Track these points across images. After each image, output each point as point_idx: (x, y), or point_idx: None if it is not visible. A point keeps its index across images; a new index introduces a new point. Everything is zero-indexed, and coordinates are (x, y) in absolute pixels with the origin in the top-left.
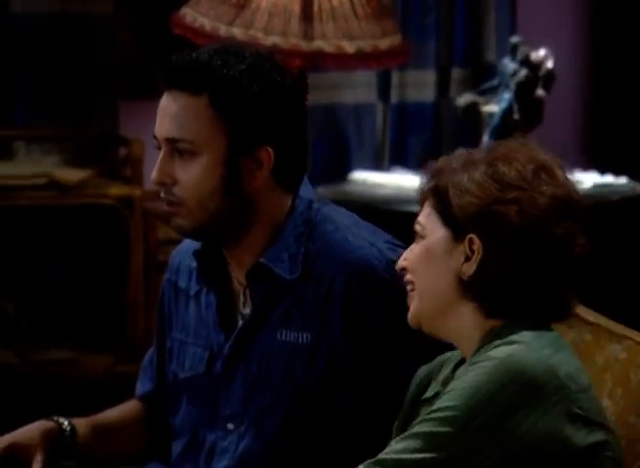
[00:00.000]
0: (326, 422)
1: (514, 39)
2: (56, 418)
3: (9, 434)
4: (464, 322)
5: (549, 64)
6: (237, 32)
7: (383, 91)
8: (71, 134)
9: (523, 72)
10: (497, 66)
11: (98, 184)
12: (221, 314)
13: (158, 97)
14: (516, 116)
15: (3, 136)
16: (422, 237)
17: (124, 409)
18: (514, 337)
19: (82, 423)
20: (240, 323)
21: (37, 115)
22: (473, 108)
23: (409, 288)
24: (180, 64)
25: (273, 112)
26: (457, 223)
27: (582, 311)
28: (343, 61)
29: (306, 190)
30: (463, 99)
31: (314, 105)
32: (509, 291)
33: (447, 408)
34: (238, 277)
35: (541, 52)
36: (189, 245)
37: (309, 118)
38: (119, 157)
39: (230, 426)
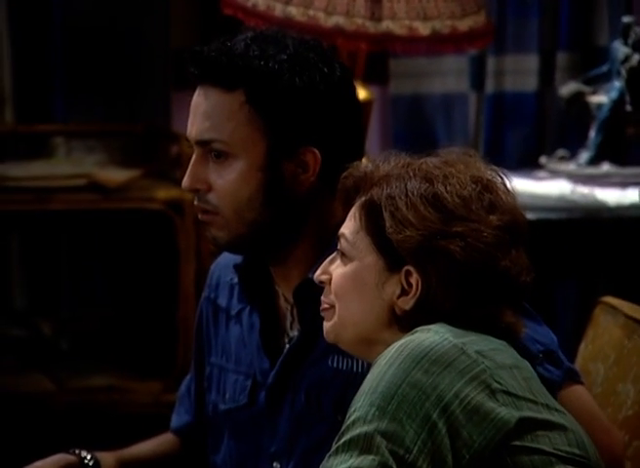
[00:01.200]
0: None
1: (626, 19)
2: (78, 451)
3: None
4: (388, 344)
5: None
6: (294, 12)
7: (477, 79)
8: (116, 129)
9: (636, 57)
10: (608, 50)
11: (144, 186)
12: (266, 337)
13: None
14: (628, 108)
15: (40, 133)
16: (349, 258)
17: (157, 443)
18: (416, 330)
19: (108, 458)
20: (287, 347)
21: (78, 108)
22: (578, 99)
23: (324, 306)
24: (211, 56)
25: (319, 109)
26: (393, 253)
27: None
28: (416, 46)
29: None
30: (567, 89)
31: (396, 95)
32: (447, 322)
33: (356, 409)
34: (285, 294)
35: None
36: (229, 258)
37: (391, 110)
38: (170, 156)
39: (277, 465)
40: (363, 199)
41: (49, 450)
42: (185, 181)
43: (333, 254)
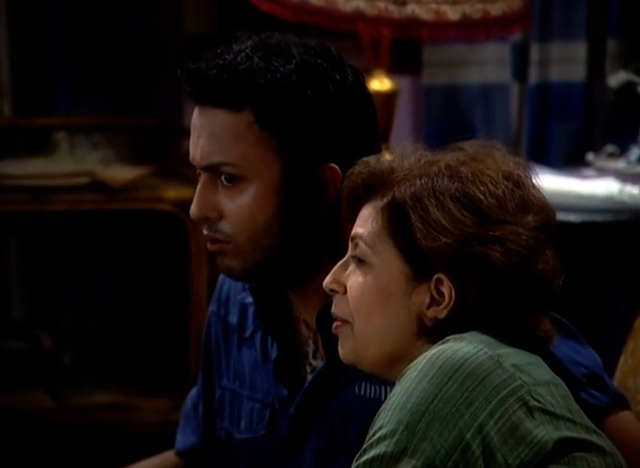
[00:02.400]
0: None
1: None
2: None
3: None
4: (414, 359)
5: None
6: None
7: (520, 68)
8: (123, 123)
9: None
10: None
11: (152, 185)
12: (284, 366)
13: None
14: None
15: (40, 127)
16: (368, 265)
17: (158, 465)
18: (448, 338)
19: None
20: (309, 377)
21: (82, 100)
22: (629, 90)
23: (338, 323)
24: (212, 75)
25: (335, 120)
26: (422, 261)
27: None
28: (444, 32)
29: None
30: (616, 79)
31: (430, 86)
32: (481, 331)
33: (382, 425)
34: (307, 319)
35: None
36: None
37: (423, 102)
38: (182, 152)
39: None
40: (385, 200)
41: None
42: (194, 210)
43: (343, 260)
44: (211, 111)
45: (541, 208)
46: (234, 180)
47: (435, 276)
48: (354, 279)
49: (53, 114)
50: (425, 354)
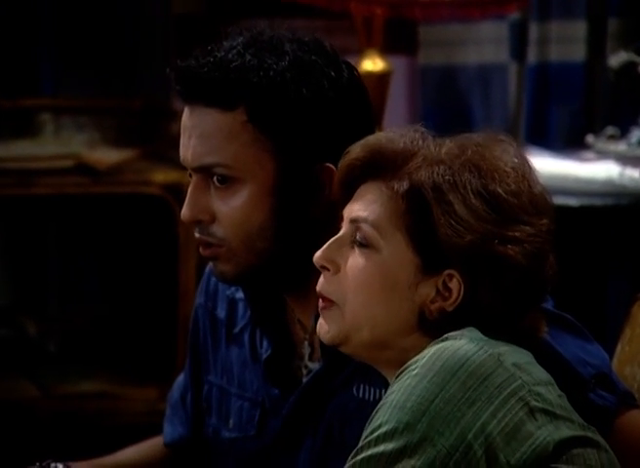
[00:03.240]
0: None
1: None
2: (54, 464)
3: None
4: (408, 351)
5: None
6: None
7: (518, 48)
8: (110, 105)
9: None
10: None
11: (139, 168)
12: (275, 364)
13: None
14: None
15: (25, 108)
16: (374, 248)
17: (143, 452)
18: (447, 336)
19: None
20: (304, 379)
21: (68, 82)
22: (630, 70)
23: (326, 303)
24: (203, 73)
25: (330, 119)
26: (435, 254)
27: None
28: (437, 11)
29: None
30: (617, 59)
31: (426, 66)
32: (479, 328)
33: (381, 424)
34: (302, 320)
35: None
36: None
37: (419, 83)
38: (170, 135)
39: None
40: (403, 185)
41: (30, 463)
42: (185, 212)
43: (337, 237)
44: (202, 111)
45: (550, 209)
46: (227, 182)
47: (446, 271)
48: (355, 260)
49: (38, 95)
50: (425, 352)
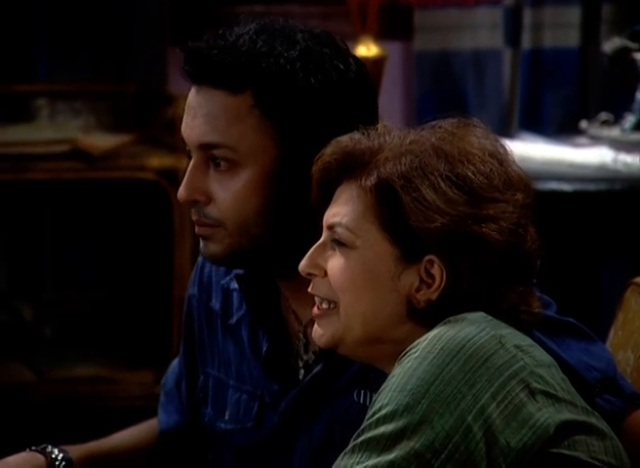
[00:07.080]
0: None
1: None
2: (49, 449)
3: None
4: (403, 342)
5: None
6: None
7: (512, 33)
8: (105, 90)
9: None
10: None
11: (134, 153)
12: (273, 359)
13: None
14: None
15: (20, 93)
16: (351, 247)
17: (138, 435)
18: (449, 319)
19: (80, 454)
20: (301, 371)
21: (62, 66)
22: (623, 56)
23: (320, 309)
24: (213, 54)
25: (336, 111)
26: (412, 242)
27: None
28: None
29: None
30: (611, 45)
31: (421, 52)
32: (469, 310)
33: (382, 407)
34: (297, 310)
35: None
36: None
37: (415, 68)
38: (165, 120)
39: None
40: (370, 180)
41: (26, 447)
42: (181, 192)
43: (318, 243)
44: (209, 92)
45: (526, 185)
46: (227, 165)
47: (426, 258)
48: (335, 261)
49: (33, 80)
50: (427, 335)
